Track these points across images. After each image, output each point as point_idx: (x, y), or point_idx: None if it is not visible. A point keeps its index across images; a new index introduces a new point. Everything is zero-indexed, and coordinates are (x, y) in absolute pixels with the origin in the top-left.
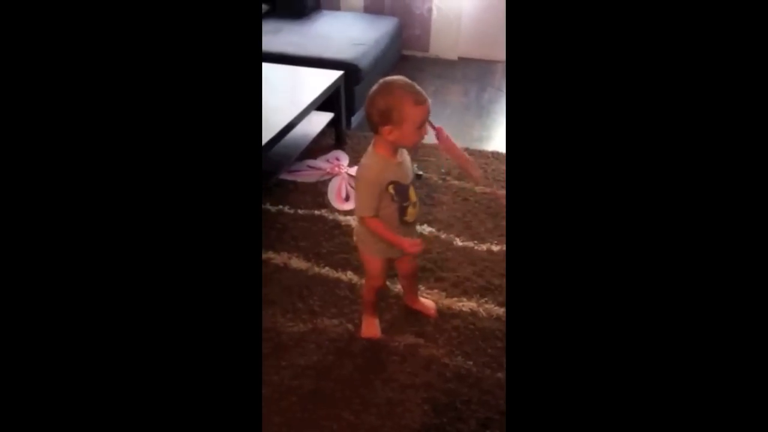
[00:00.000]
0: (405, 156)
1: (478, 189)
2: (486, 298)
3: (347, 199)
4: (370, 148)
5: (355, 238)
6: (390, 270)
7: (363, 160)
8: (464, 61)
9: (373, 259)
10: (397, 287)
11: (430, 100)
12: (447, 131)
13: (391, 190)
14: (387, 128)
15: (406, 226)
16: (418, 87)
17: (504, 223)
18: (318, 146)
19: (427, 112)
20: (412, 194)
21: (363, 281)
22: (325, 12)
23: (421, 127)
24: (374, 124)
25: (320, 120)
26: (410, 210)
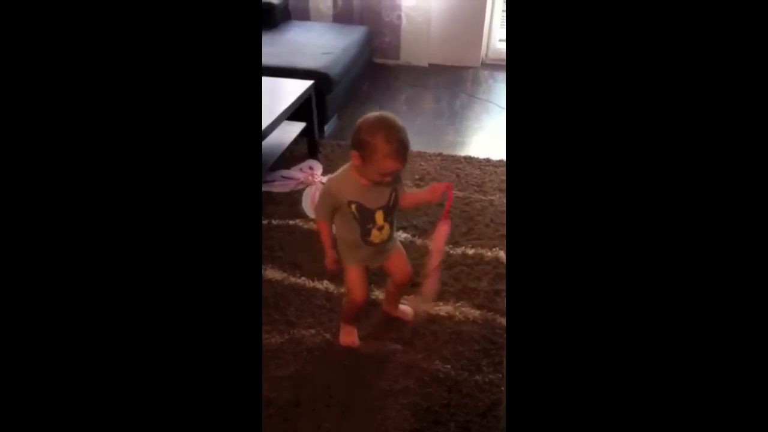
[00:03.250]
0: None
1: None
2: (462, 302)
3: None
4: (350, 162)
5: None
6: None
7: (338, 171)
8: (435, 68)
9: (350, 268)
10: (374, 294)
11: (408, 153)
12: (421, 138)
13: (353, 209)
14: (355, 154)
15: (373, 246)
16: (403, 142)
17: (478, 227)
18: (291, 156)
19: (397, 169)
20: (379, 218)
21: (340, 291)
22: (294, 22)
23: (385, 176)
24: (352, 143)
25: (292, 129)
26: (374, 232)
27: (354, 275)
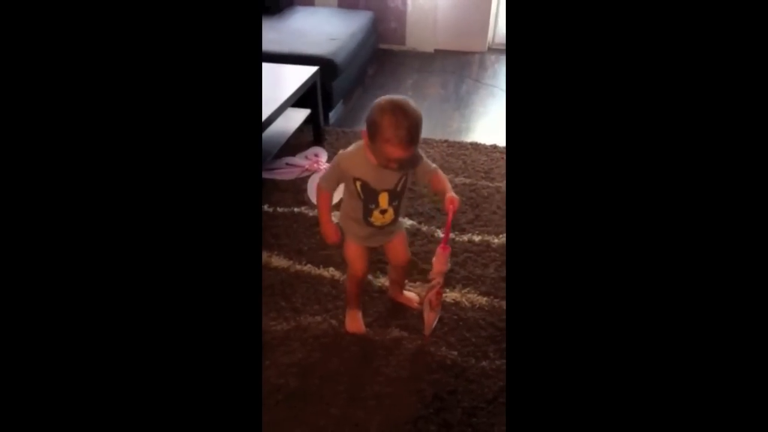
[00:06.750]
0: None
1: (458, 180)
2: (468, 288)
3: None
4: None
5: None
6: (372, 264)
7: (352, 145)
8: (441, 54)
9: (351, 244)
10: (380, 281)
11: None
12: (427, 123)
13: (358, 186)
14: (364, 132)
15: (374, 228)
16: (411, 131)
17: (484, 213)
18: (296, 143)
19: (401, 157)
20: (383, 201)
21: (345, 277)
22: (299, 8)
23: (390, 162)
24: (366, 121)
25: (297, 116)
26: (376, 214)
27: (354, 249)
